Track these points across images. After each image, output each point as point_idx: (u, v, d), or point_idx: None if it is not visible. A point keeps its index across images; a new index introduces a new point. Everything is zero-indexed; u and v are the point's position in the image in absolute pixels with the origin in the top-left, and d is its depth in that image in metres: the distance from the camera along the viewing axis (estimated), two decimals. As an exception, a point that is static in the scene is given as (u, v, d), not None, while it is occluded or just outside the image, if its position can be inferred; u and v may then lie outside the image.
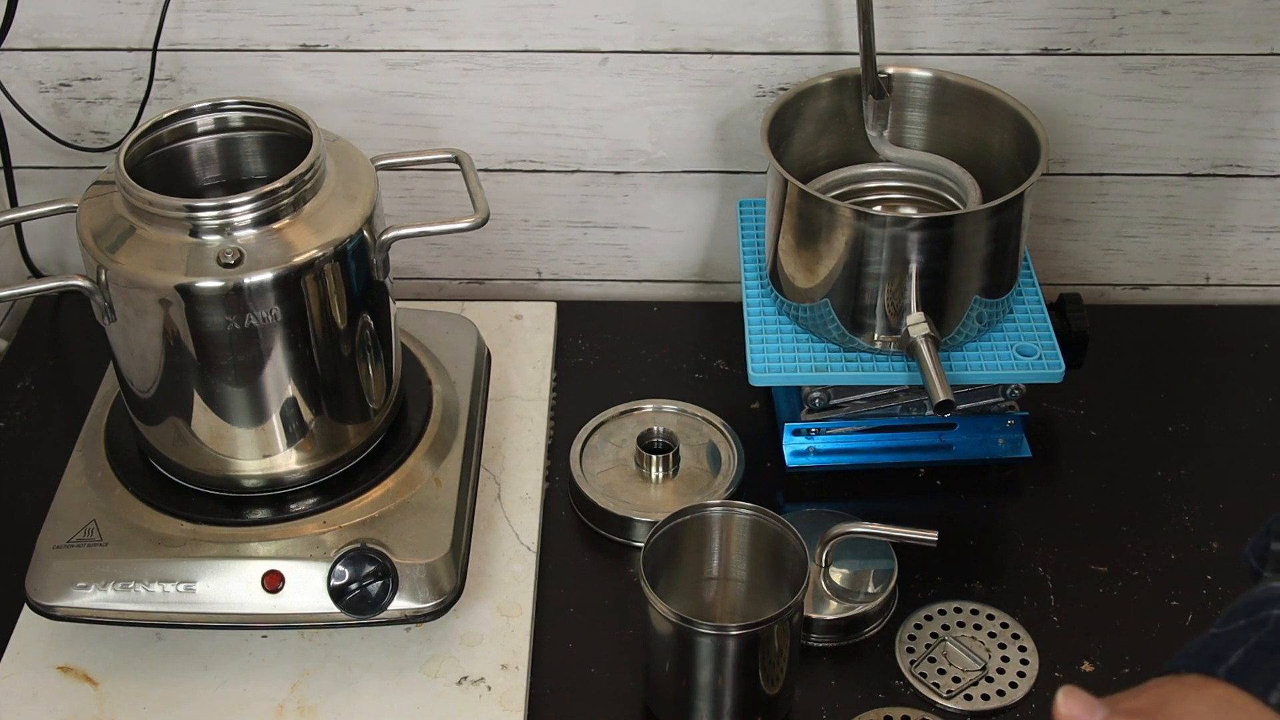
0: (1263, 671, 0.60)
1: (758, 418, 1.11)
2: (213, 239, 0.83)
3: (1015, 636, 0.94)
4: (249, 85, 1.13)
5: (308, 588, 0.88)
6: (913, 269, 0.96)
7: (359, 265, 0.88)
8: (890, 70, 1.07)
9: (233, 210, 0.83)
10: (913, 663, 0.92)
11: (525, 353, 1.15)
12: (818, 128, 1.08)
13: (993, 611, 0.95)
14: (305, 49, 1.12)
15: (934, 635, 0.94)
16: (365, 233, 0.88)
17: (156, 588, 0.87)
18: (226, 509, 0.91)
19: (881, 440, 1.05)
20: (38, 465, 1.06)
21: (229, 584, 0.88)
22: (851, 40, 1.09)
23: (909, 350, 0.97)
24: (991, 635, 0.94)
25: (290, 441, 0.90)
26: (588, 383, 1.15)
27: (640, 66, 1.13)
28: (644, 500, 1.03)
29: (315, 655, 0.92)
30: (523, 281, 1.26)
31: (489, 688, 0.90)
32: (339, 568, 0.87)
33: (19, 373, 1.16)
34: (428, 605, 0.88)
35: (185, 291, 0.82)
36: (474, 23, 1.11)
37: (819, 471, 1.06)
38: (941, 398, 0.92)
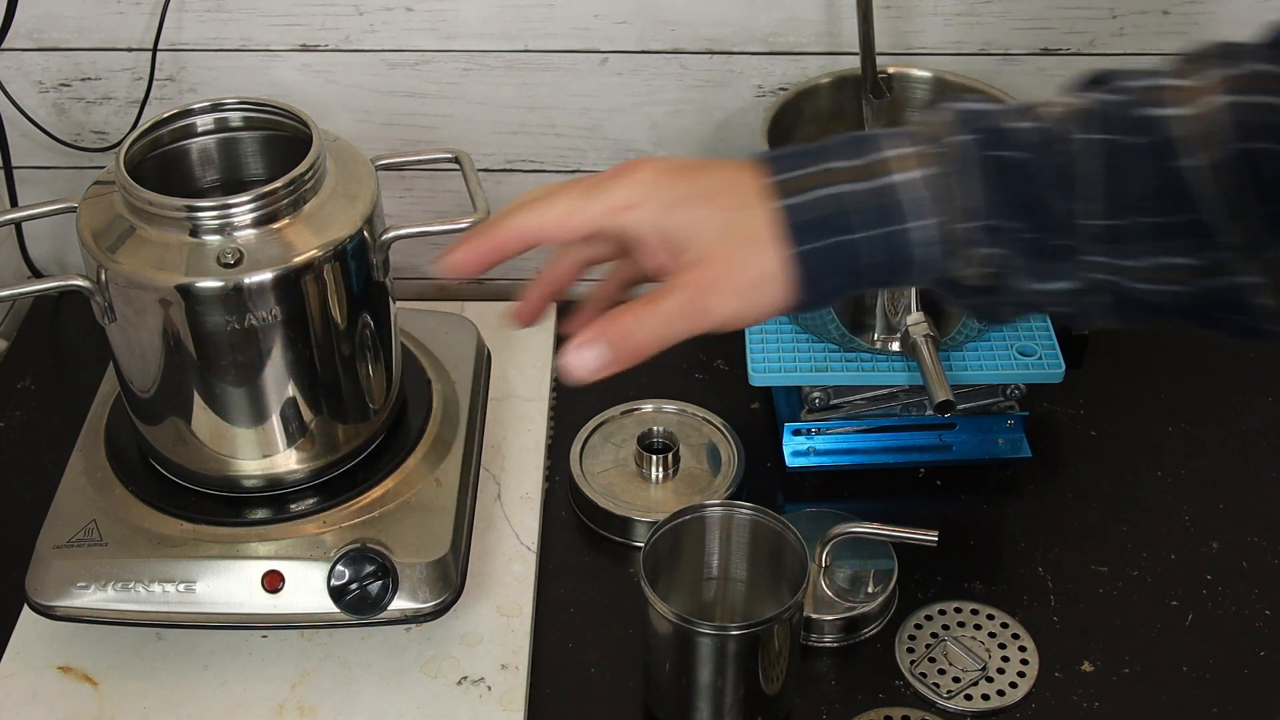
0: (786, 161, 0.61)
1: (758, 418, 1.11)
2: (213, 239, 0.83)
3: (1015, 636, 0.94)
4: (249, 85, 1.13)
5: (308, 588, 0.88)
6: (913, 269, 0.96)
7: (359, 265, 0.88)
8: (890, 70, 1.07)
9: (233, 210, 0.83)
10: (913, 663, 0.92)
11: (525, 353, 1.15)
12: (818, 128, 1.08)
13: (993, 611, 0.95)
14: (305, 49, 1.12)
15: (934, 635, 0.94)
16: (365, 233, 0.88)
17: (156, 588, 0.87)
18: (226, 509, 0.91)
19: (881, 440, 1.05)
20: (38, 465, 1.06)
21: (229, 584, 0.88)
22: (852, 40, 1.09)
23: (909, 350, 0.97)
24: (991, 635, 0.94)
25: (290, 441, 0.90)
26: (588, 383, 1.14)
27: (640, 66, 1.13)
28: (644, 500, 1.03)
29: (315, 655, 0.92)
30: (523, 281, 1.25)
31: (489, 688, 0.90)
32: (339, 568, 0.87)
33: (19, 373, 1.16)
34: (428, 605, 0.88)
35: (185, 291, 0.82)
36: (474, 23, 1.11)
37: (819, 471, 1.06)
38: (941, 398, 0.92)
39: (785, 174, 0.60)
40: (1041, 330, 1.03)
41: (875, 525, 0.94)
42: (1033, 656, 0.92)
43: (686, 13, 1.10)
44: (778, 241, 0.59)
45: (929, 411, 1.01)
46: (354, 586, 0.87)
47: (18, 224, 1.20)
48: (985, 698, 0.90)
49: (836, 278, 0.60)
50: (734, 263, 0.60)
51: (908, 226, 0.58)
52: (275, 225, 0.84)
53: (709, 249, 0.60)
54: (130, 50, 1.13)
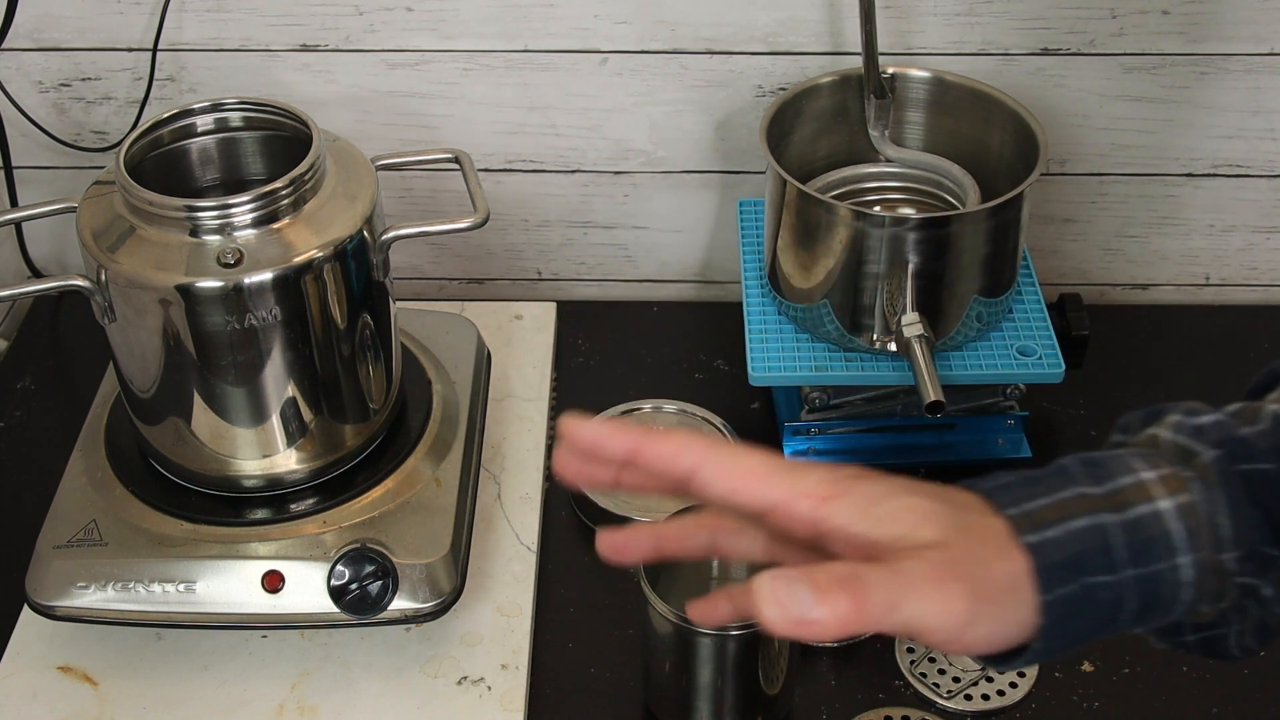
0: (1016, 491, 0.54)
1: (758, 418, 1.11)
2: (213, 239, 0.83)
3: (1015, 636, 0.94)
4: (249, 85, 1.13)
5: (308, 588, 0.88)
6: (911, 269, 0.96)
7: (359, 265, 0.88)
8: (890, 70, 1.07)
9: (233, 210, 0.83)
10: (913, 663, 0.92)
11: (525, 353, 1.15)
12: (817, 128, 1.08)
13: (992, 611, 0.95)
14: (305, 49, 1.12)
15: (934, 635, 0.94)
16: (365, 233, 0.88)
17: (156, 588, 0.88)
18: (226, 509, 0.91)
19: (881, 440, 1.05)
20: (38, 465, 1.06)
21: (229, 584, 0.88)
22: (851, 40, 1.09)
23: (903, 350, 0.97)
24: (991, 635, 0.94)
25: (290, 441, 0.90)
26: (588, 383, 1.15)
27: (640, 66, 1.13)
28: (644, 500, 1.02)
29: (315, 655, 0.92)
30: (523, 281, 1.26)
31: (489, 688, 0.90)
32: (339, 568, 0.87)
33: (19, 373, 1.16)
34: (428, 605, 0.88)
35: (185, 291, 0.82)
36: (474, 23, 1.11)
37: (819, 471, 1.06)
38: (931, 398, 0.92)
39: (1019, 507, 0.53)
40: (1041, 330, 1.03)
41: (875, 525, 0.94)
42: (1032, 656, 0.92)
43: (686, 13, 1.10)
44: (1028, 582, 0.51)
45: (929, 411, 1.01)
46: (354, 586, 0.87)
47: (18, 224, 1.20)
48: (985, 698, 0.90)
49: (1087, 624, 0.52)
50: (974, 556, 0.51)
51: (1177, 563, 0.52)
52: (275, 225, 0.84)
53: (942, 536, 0.51)
54: (130, 50, 1.13)
